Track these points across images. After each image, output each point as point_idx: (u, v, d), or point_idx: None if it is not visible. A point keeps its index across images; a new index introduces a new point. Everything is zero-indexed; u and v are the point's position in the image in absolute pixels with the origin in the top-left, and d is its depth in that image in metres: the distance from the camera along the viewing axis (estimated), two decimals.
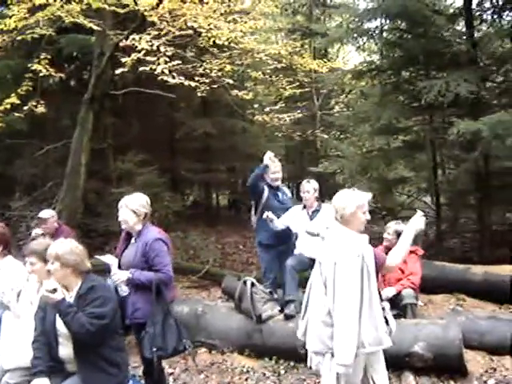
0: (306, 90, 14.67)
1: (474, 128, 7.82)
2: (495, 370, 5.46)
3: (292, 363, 5.77)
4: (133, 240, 4.74)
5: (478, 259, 9.19)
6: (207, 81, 8.91)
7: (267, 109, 10.79)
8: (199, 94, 9.14)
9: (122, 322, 4.30)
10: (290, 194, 7.13)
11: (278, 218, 6.52)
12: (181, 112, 15.37)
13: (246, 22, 9.43)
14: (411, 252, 6.46)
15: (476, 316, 6.40)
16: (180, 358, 5.73)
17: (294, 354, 5.70)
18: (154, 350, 4.40)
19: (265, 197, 6.89)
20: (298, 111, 11.28)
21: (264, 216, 6.44)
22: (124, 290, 4.61)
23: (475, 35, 9.85)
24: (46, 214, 7.37)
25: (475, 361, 5.61)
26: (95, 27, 8.78)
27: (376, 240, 6.99)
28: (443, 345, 5.31)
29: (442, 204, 11.84)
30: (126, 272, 4.52)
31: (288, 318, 5.93)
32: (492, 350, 5.74)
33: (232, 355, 6.03)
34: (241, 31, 9.29)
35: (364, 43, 10.39)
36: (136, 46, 7.99)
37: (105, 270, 4.80)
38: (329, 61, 12.63)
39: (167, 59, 7.88)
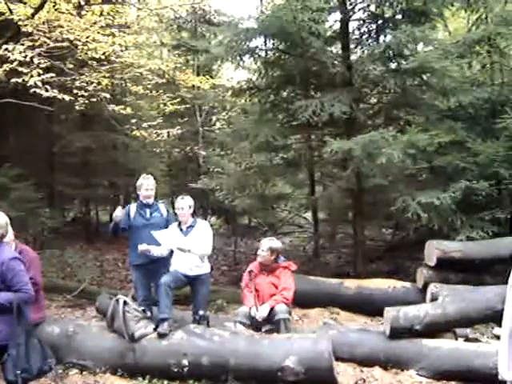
0: (189, 106, 14.73)
1: (347, 147, 8.11)
2: (365, 380, 5.64)
3: (165, 382, 5.66)
4: None
5: (353, 273, 9.50)
6: (85, 94, 8.77)
7: (145, 124, 10.71)
8: (77, 108, 8.97)
9: None
10: (165, 211, 7.02)
11: (144, 235, 6.47)
12: (60, 125, 14.95)
13: (124, 37, 9.34)
14: (284, 267, 6.61)
15: (347, 329, 6.63)
16: (48, 379, 5.50)
17: (167, 373, 5.65)
18: (18, 372, 4.24)
19: (131, 217, 6.86)
20: (179, 127, 11.30)
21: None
22: None
23: (351, 58, 10.20)
24: None
25: (346, 372, 5.77)
26: None
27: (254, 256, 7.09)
28: (314, 358, 5.40)
29: (320, 220, 12.15)
30: None
31: (161, 336, 5.84)
32: (362, 361, 5.94)
33: (104, 376, 5.81)
34: (120, 45, 9.21)
35: (243, 62, 10.49)
36: (9, 57, 7.76)
37: None
38: (212, 78, 12.73)
39: (41, 71, 7.69)
